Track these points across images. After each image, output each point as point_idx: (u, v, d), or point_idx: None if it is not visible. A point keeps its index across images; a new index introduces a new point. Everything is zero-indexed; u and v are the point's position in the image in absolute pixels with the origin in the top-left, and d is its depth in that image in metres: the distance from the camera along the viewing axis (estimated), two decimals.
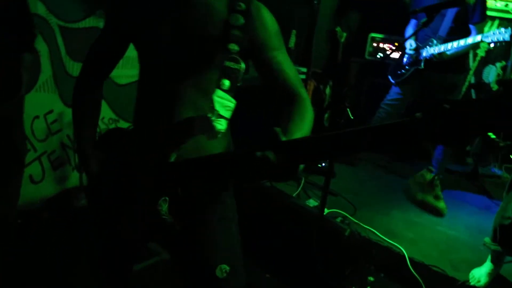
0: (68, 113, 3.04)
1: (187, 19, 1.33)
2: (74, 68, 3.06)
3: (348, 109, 2.34)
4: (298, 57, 4.39)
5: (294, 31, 4.23)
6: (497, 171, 4.74)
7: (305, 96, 1.39)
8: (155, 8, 1.35)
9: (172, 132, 1.29)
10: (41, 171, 3.08)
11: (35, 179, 3.03)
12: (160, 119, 1.36)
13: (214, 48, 1.33)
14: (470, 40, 3.30)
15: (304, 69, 3.71)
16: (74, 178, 3.18)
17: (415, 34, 2.99)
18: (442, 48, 3.41)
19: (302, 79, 3.69)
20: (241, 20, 1.32)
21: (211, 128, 1.30)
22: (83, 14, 3.03)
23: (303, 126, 1.27)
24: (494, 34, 3.20)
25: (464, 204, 3.89)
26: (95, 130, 1.56)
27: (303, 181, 3.67)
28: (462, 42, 3.32)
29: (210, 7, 1.34)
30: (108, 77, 1.56)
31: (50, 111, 3.02)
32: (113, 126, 3.32)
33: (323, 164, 3.88)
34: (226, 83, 1.31)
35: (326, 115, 4.38)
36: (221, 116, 1.32)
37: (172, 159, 1.26)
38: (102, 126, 3.26)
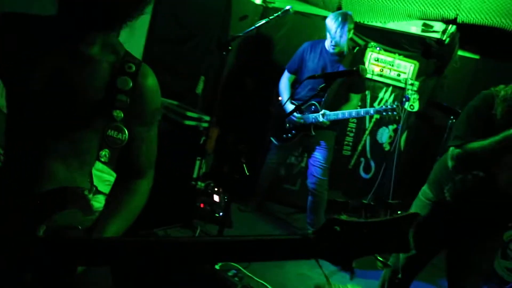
0: None
1: (67, 73, 1.16)
2: None
3: (244, 165, 2.33)
4: (204, 104, 4.40)
5: (202, 77, 4.24)
6: None
7: (148, 179, 1.38)
8: (32, 52, 1.16)
9: (41, 201, 1.11)
10: None
11: None
12: (28, 173, 1.16)
13: (95, 112, 1.19)
14: (362, 112, 3.63)
15: (207, 118, 3.70)
16: None
17: (308, 99, 3.32)
18: (332, 116, 3.64)
19: (205, 127, 3.68)
20: (130, 84, 1.21)
21: (88, 206, 1.17)
22: None
23: (124, 216, 1.26)
24: (385, 108, 3.50)
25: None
26: None
27: (198, 230, 3.58)
28: (354, 113, 3.62)
29: (95, 65, 1.19)
30: None
31: None
32: None
33: (221, 214, 3.84)
34: (107, 154, 1.19)
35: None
36: (100, 192, 1.20)
37: (41, 233, 1.07)
38: None
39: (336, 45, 3.69)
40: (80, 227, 1.15)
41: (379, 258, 0.93)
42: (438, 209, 2.35)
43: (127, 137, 1.21)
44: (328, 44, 3.81)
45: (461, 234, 2.34)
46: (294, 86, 4.05)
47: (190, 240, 1.04)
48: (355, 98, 3.92)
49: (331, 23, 3.67)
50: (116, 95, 1.20)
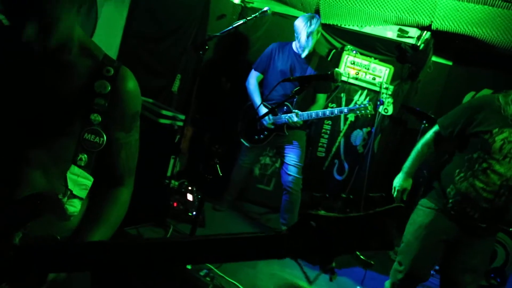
0: None
1: (43, 78, 1.14)
2: None
3: (218, 166, 2.33)
4: (180, 102, 4.37)
5: (179, 76, 4.21)
6: None
7: (128, 187, 1.36)
8: (8, 58, 1.14)
9: (16, 208, 1.07)
10: None
11: None
12: (6, 181, 1.13)
13: (73, 118, 1.16)
14: (336, 111, 3.64)
15: (182, 116, 3.68)
16: None
17: (283, 103, 3.33)
18: (306, 116, 3.67)
19: (180, 126, 3.66)
20: (108, 88, 1.18)
21: (62, 211, 1.14)
22: None
23: (105, 226, 1.23)
24: (358, 106, 3.55)
25: None
26: None
27: (171, 230, 3.56)
28: (328, 112, 3.65)
29: (71, 70, 1.17)
30: None
31: None
32: None
33: (194, 213, 3.82)
34: (84, 158, 1.16)
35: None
36: (75, 196, 1.17)
37: (17, 240, 1.04)
38: None
39: (303, 47, 3.76)
40: (58, 238, 1.12)
41: (361, 256, 0.86)
42: (441, 216, 2.52)
43: (105, 140, 1.19)
44: (296, 46, 3.87)
45: (463, 239, 2.51)
46: (260, 86, 4.06)
47: (160, 241, 0.99)
48: (321, 98, 3.98)
49: (300, 24, 3.76)
50: (94, 99, 1.17)
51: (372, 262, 0.93)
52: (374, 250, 0.82)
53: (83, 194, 1.19)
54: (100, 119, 1.17)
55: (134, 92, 1.27)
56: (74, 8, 1.10)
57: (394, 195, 2.72)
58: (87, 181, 1.19)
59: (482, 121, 2.36)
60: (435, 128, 2.65)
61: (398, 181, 2.76)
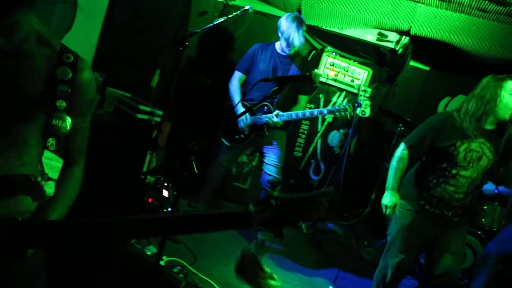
0: None
1: (3, 70, 1.18)
2: None
3: (193, 163, 2.33)
4: (159, 97, 4.34)
5: (158, 71, 4.18)
6: (332, 226, 5.13)
7: (80, 166, 1.47)
8: None
9: None
10: None
11: None
12: None
13: (35, 104, 1.22)
14: (316, 112, 3.66)
15: (160, 112, 3.66)
16: None
17: (261, 101, 3.33)
18: (285, 116, 3.70)
19: (157, 121, 3.64)
20: (70, 74, 1.25)
21: (41, 192, 1.22)
22: None
23: (63, 202, 1.35)
24: (338, 108, 3.59)
25: (299, 258, 4.10)
26: None
27: None
28: (307, 113, 3.67)
29: (30, 59, 1.22)
30: None
31: None
32: None
33: (169, 209, 3.81)
34: (54, 143, 1.25)
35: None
36: (50, 179, 1.26)
37: None
38: None
39: (292, 47, 3.75)
40: (19, 218, 1.21)
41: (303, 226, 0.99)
42: (419, 216, 2.90)
43: (70, 125, 1.26)
44: (280, 46, 3.88)
45: (440, 231, 2.90)
46: (243, 86, 4.08)
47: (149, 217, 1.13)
48: (303, 99, 4.00)
49: (286, 26, 3.72)
50: (57, 86, 1.24)
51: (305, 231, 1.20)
52: (311, 220, 1.14)
53: (56, 175, 1.29)
54: (65, 104, 1.25)
55: (91, 81, 1.35)
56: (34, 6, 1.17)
57: (387, 213, 2.95)
58: (59, 163, 1.28)
59: (445, 137, 2.78)
60: (403, 146, 2.95)
61: (387, 199, 2.96)
